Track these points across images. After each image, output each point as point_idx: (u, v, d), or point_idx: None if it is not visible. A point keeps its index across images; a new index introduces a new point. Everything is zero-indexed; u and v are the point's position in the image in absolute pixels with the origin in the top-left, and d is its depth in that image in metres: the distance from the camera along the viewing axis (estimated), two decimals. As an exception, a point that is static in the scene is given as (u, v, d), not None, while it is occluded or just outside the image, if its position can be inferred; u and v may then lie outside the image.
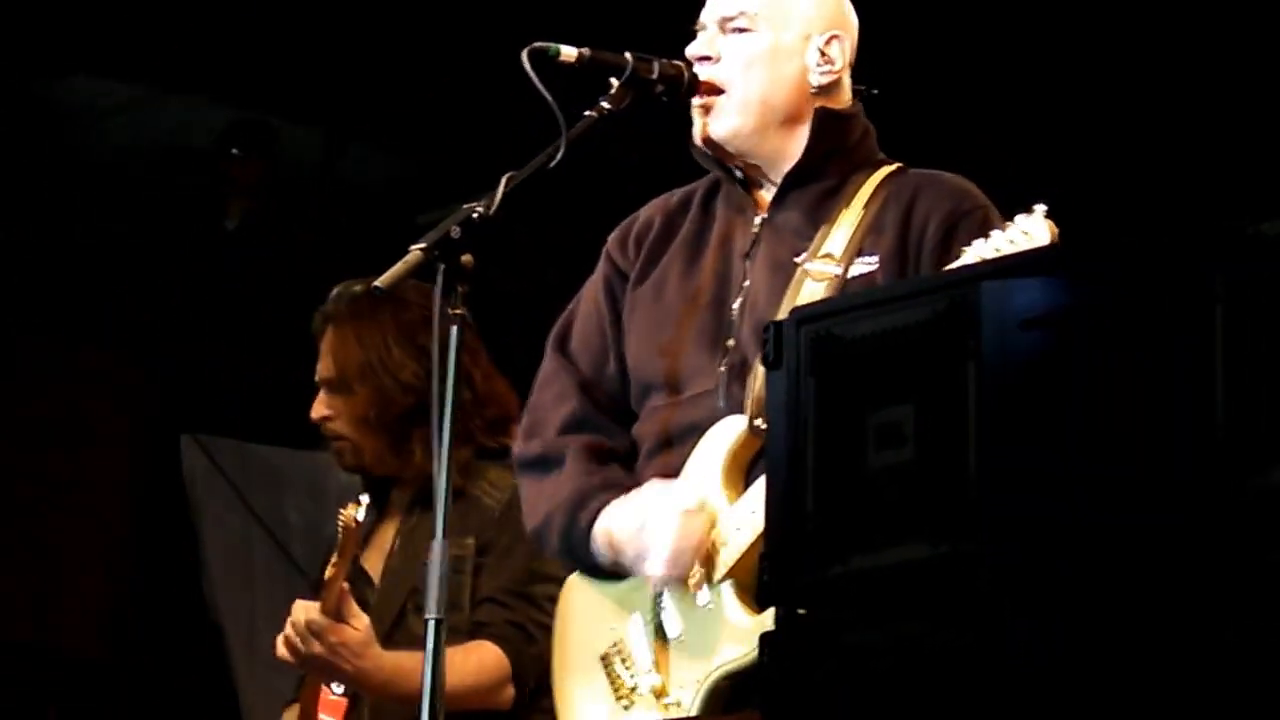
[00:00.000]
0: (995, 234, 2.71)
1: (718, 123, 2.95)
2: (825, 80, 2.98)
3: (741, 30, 2.96)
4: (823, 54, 2.98)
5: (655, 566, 2.84)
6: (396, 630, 3.68)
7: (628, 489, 2.94)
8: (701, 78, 2.95)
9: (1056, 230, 2.66)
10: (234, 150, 6.04)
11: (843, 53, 3.00)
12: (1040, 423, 2.00)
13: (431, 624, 2.68)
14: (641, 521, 2.86)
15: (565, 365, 3.07)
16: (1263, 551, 1.84)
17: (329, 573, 3.59)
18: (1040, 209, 2.68)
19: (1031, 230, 2.67)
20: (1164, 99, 5.11)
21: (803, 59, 2.97)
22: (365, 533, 3.77)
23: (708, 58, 2.95)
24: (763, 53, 2.95)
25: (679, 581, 2.84)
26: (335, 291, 3.88)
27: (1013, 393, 2.00)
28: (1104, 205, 4.87)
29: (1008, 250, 2.67)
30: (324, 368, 3.84)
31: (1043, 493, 1.99)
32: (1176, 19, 4.97)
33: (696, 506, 2.83)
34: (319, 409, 3.83)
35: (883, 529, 2.06)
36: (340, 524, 3.61)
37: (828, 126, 2.97)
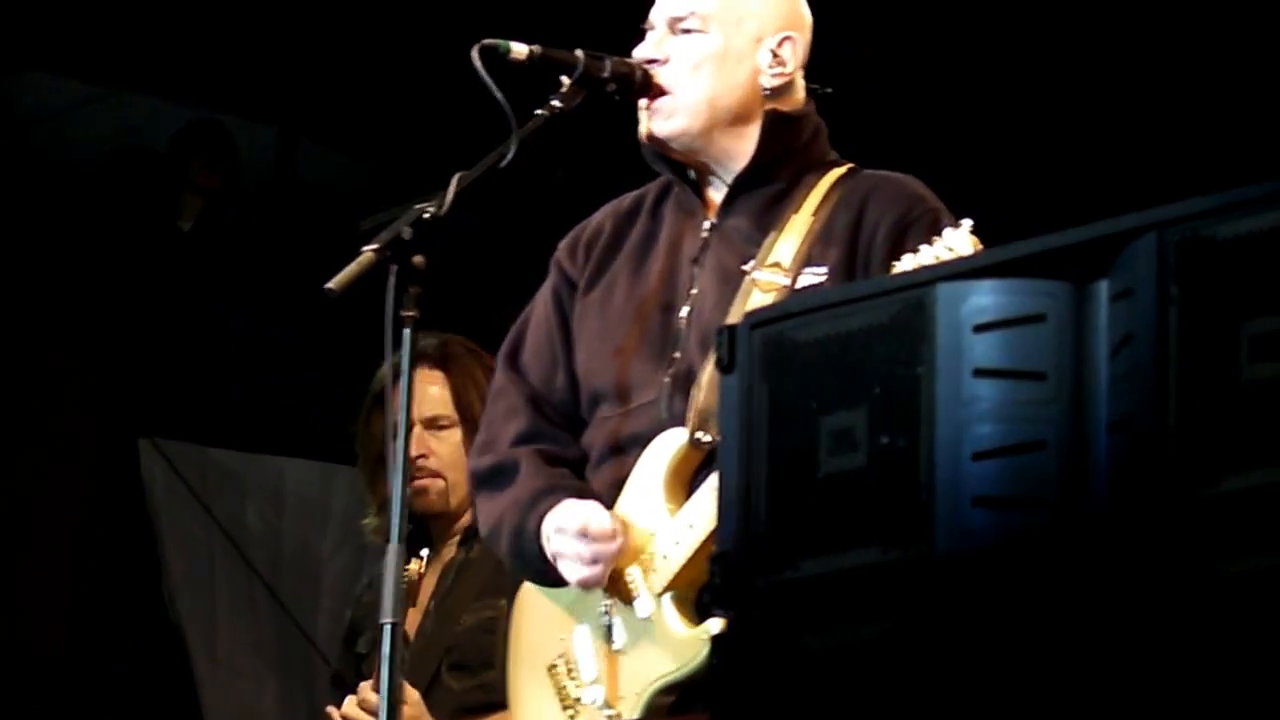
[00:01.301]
0: (923, 248, 2.70)
1: (662, 123, 2.93)
2: (777, 82, 2.96)
3: (691, 31, 2.94)
4: (775, 55, 2.96)
5: (565, 570, 2.89)
6: (433, 689, 3.74)
7: (578, 490, 2.92)
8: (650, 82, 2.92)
9: (980, 246, 2.66)
10: (193, 156, 6.02)
11: (795, 54, 2.97)
12: (992, 427, 1.98)
13: (387, 629, 2.68)
14: (557, 528, 2.89)
15: (515, 379, 3.05)
16: (1215, 561, 1.83)
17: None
18: (966, 223, 2.68)
19: (956, 245, 2.66)
20: (1120, 99, 5.12)
21: (754, 60, 2.95)
22: (413, 587, 3.83)
23: (656, 60, 2.93)
24: (712, 55, 2.93)
25: (586, 587, 2.88)
26: (426, 339, 3.97)
27: (965, 397, 1.98)
28: (1059, 207, 4.88)
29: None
30: (426, 407, 3.87)
31: (995, 498, 1.98)
32: (1141, 20, 4.99)
33: (606, 532, 2.85)
34: (418, 447, 3.86)
35: (835, 533, 2.05)
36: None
37: (777, 129, 2.95)
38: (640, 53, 2.95)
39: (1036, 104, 5.13)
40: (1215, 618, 1.85)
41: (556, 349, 3.03)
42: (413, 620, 3.85)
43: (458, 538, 3.88)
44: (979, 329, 2.00)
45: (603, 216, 3.09)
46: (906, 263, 2.70)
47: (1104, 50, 5.05)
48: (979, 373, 1.99)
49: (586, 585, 2.88)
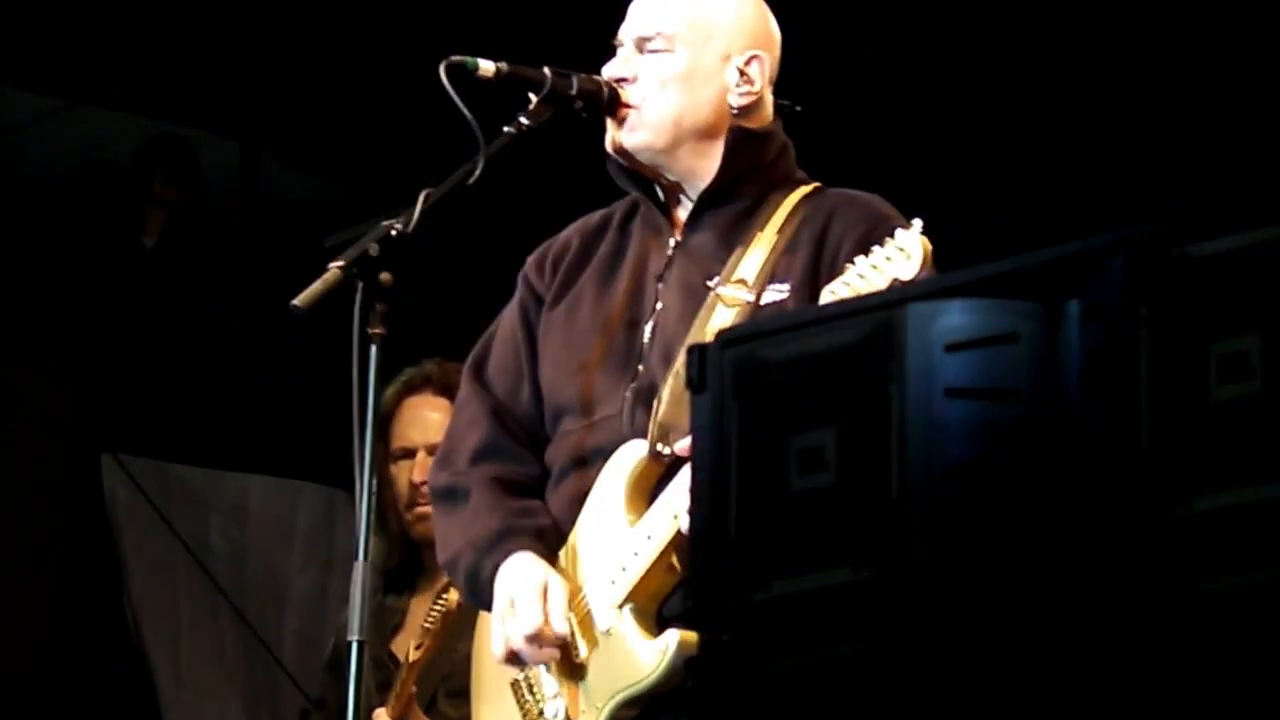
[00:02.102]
0: (875, 249, 2.71)
1: (628, 135, 2.94)
2: (744, 101, 2.96)
3: (658, 51, 2.94)
4: (742, 74, 2.96)
5: (511, 643, 2.89)
6: (430, 715, 3.75)
7: (535, 529, 2.93)
8: (619, 99, 2.92)
9: (930, 247, 2.67)
10: (157, 170, 5.99)
11: (763, 72, 2.98)
12: (963, 447, 1.98)
13: (354, 646, 2.67)
14: (499, 617, 2.90)
15: (479, 391, 3.05)
16: (1190, 580, 1.83)
17: (413, 655, 3.64)
18: (917, 223, 2.70)
19: (906, 245, 2.67)
20: (1120, 99, 5.13)
21: (721, 79, 2.95)
22: (400, 614, 3.82)
23: (624, 78, 2.93)
24: (679, 75, 2.93)
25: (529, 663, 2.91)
26: (422, 365, 3.94)
27: (936, 417, 1.98)
28: (1059, 207, 4.89)
29: (885, 266, 2.69)
30: (431, 434, 3.88)
31: (966, 518, 1.97)
32: (1138, 25, 5.01)
33: (553, 638, 2.86)
34: (420, 474, 3.87)
35: (805, 553, 2.05)
36: (440, 609, 3.61)
37: (742, 147, 2.95)
38: (609, 71, 2.95)
39: (1036, 104, 5.14)
40: (1189, 637, 1.85)
41: (522, 362, 3.04)
42: (402, 644, 3.85)
43: None
44: (950, 349, 2.00)
45: (570, 233, 3.09)
46: (859, 264, 2.71)
47: (1103, 50, 5.06)
48: (950, 393, 1.99)
49: (503, 659, 2.91)
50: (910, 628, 1.99)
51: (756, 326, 2.39)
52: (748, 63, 2.96)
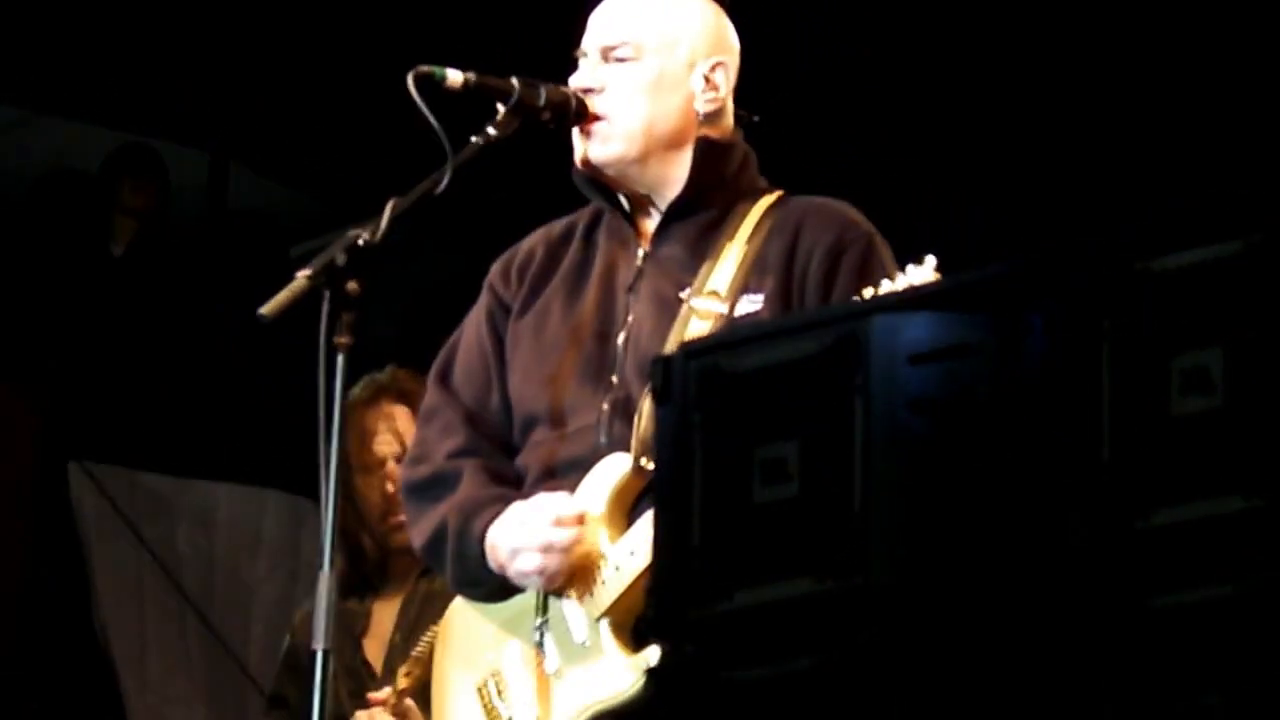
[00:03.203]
0: (885, 284, 2.70)
1: (599, 147, 2.93)
2: (711, 107, 2.97)
3: (625, 60, 2.94)
4: (708, 80, 2.97)
5: (525, 563, 2.84)
6: None
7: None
8: (586, 111, 2.91)
9: None
10: (124, 179, 5.97)
11: (727, 79, 2.99)
12: (926, 459, 1.98)
13: (319, 654, 2.66)
14: (520, 521, 2.85)
15: (449, 399, 3.04)
16: (1144, 596, 1.84)
17: (402, 682, 3.63)
18: (930, 260, 2.69)
19: (918, 282, 2.67)
20: (1093, 113, 5.14)
21: (688, 85, 2.95)
22: (364, 618, 3.80)
23: (591, 89, 2.93)
24: (648, 83, 2.93)
25: (548, 583, 2.84)
26: (386, 372, 3.93)
27: (899, 429, 1.98)
28: (1058, 206, 4.90)
29: None
30: (401, 444, 3.84)
31: (928, 530, 1.98)
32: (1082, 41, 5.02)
33: (573, 516, 2.82)
34: (394, 484, 3.84)
35: (768, 564, 2.05)
36: (430, 638, 3.59)
37: (708, 157, 2.96)
38: (576, 81, 2.94)
39: (1036, 104, 5.15)
40: (1144, 652, 1.86)
41: (491, 371, 3.02)
42: (376, 652, 3.83)
43: (418, 570, 3.85)
44: (914, 361, 2.00)
45: (534, 241, 3.08)
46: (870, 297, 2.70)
47: (1103, 50, 5.07)
48: (913, 405, 1.99)
49: (546, 574, 2.83)
50: (872, 639, 1.99)
51: (721, 337, 2.40)
52: (713, 69, 2.97)
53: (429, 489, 2.99)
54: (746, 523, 2.06)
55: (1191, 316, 1.89)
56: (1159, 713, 1.86)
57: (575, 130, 2.94)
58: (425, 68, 2.83)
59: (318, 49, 5.32)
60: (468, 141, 2.84)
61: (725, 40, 3.01)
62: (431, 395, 3.06)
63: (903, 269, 2.71)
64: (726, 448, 2.08)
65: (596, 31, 2.97)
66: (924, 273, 2.68)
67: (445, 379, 3.06)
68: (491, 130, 2.87)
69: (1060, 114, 5.17)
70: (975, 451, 1.97)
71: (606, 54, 2.94)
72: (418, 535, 3.01)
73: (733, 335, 2.27)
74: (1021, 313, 1.99)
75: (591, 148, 2.93)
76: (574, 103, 2.93)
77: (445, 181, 2.80)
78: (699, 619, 2.07)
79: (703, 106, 2.95)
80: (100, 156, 5.97)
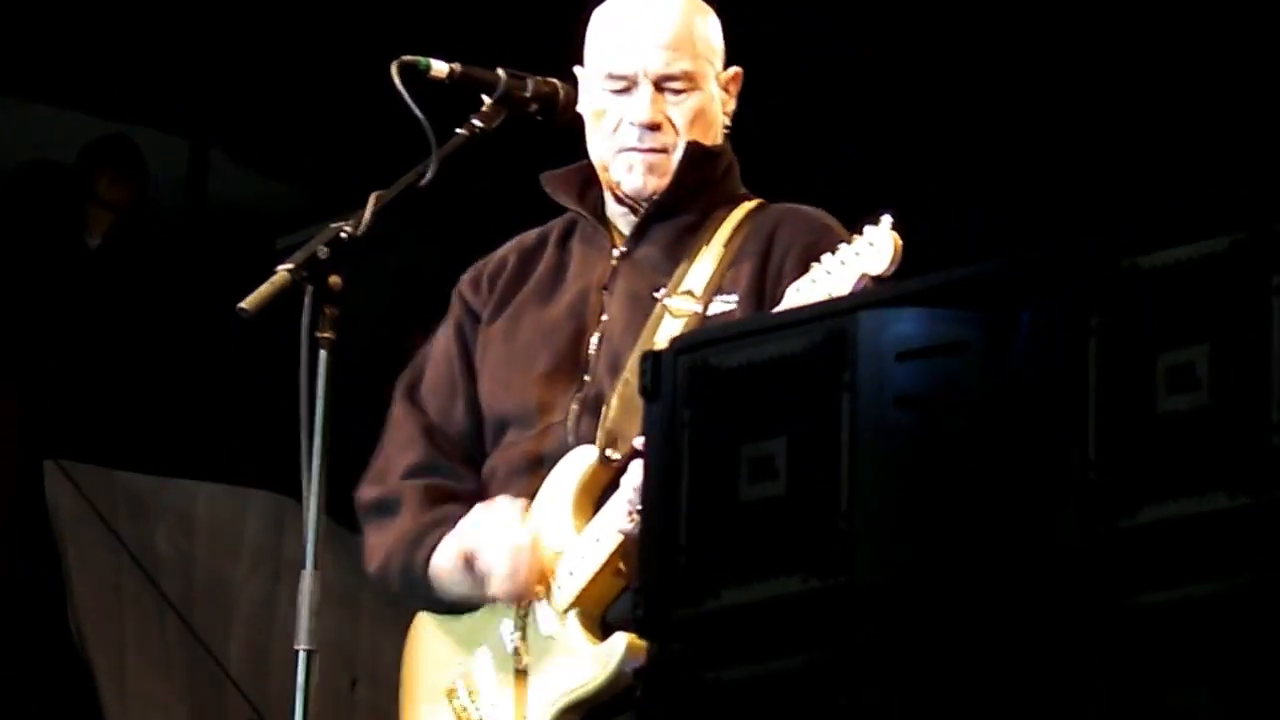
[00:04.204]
0: (842, 247, 2.71)
1: (658, 181, 2.93)
2: (729, 118, 2.99)
3: (681, 92, 2.93)
4: (726, 90, 2.99)
5: (499, 586, 2.86)
6: None
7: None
8: (646, 144, 2.90)
9: (900, 242, 2.67)
10: (101, 170, 5.93)
11: (736, 86, 3.00)
12: (913, 456, 1.98)
13: (302, 655, 2.65)
14: (474, 548, 2.87)
15: (411, 411, 3.05)
16: (1130, 593, 1.84)
17: None
18: (887, 219, 2.69)
19: (877, 240, 2.68)
20: (1093, 113, 5.15)
21: (719, 100, 2.97)
22: None
23: (657, 125, 2.91)
24: (703, 109, 2.94)
25: (522, 598, 2.87)
26: None
27: (886, 426, 1.98)
28: (1057, 205, 4.90)
29: (854, 261, 2.69)
30: None
31: (915, 528, 1.97)
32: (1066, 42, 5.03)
33: (518, 526, 2.85)
34: None
35: (755, 563, 2.04)
36: None
37: (696, 161, 2.96)
38: (635, 116, 2.90)
39: (1036, 104, 5.15)
40: (1130, 650, 1.86)
41: (457, 379, 3.03)
42: None
43: None
44: (901, 358, 2.00)
45: (505, 251, 3.09)
46: (827, 260, 2.71)
47: (1103, 51, 5.08)
48: (900, 402, 1.99)
49: (514, 597, 2.87)
50: (859, 637, 1.98)
51: (710, 333, 2.39)
52: (732, 79, 2.98)
53: (375, 510, 3.02)
54: (734, 521, 2.05)
55: (1178, 314, 1.89)
56: (1145, 710, 1.85)
57: (637, 161, 2.90)
58: (409, 58, 2.82)
59: (302, 37, 5.30)
60: (453, 133, 2.83)
61: (724, 47, 3.02)
62: (396, 408, 3.08)
63: (860, 232, 2.72)
64: (714, 445, 2.08)
65: (650, 59, 2.91)
66: (881, 232, 2.68)
67: (411, 391, 3.07)
68: (477, 122, 2.85)
69: (1060, 114, 5.18)
70: (962, 449, 1.97)
71: (661, 84, 2.92)
72: (369, 562, 3.04)
73: (722, 331, 2.27)
74: (1009, 310, 1.99)
75: (650, 181, 2.91)
76: (562, 93, 2.92)
77: (430, 174, 2.78)
78: (686, 617, 2.07)
79: (725, 119, 2.98)
80: (77, 146, 5.92)
